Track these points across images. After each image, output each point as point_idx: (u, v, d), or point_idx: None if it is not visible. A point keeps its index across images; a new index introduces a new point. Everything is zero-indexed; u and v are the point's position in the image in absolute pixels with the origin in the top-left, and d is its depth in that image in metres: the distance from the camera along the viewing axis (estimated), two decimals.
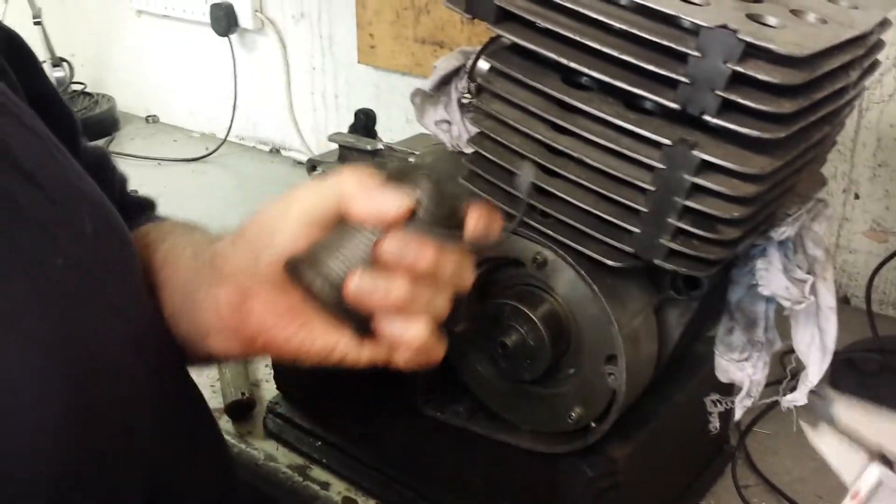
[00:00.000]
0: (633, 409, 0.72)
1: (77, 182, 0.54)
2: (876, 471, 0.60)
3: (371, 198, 0.51)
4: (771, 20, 0.55)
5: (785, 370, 0.74)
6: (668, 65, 0.55)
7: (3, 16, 1.76)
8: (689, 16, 0.53)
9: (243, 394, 1.00)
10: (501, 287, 0.71)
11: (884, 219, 1.18)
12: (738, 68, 0.52)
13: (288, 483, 0.91)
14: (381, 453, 0.88)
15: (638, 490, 0.74)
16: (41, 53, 1.78)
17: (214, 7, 1.70)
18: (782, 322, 0.69)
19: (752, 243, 0.64)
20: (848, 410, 0.67)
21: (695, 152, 0.56)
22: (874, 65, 0.64)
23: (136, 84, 2.03)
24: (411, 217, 0.51)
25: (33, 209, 0.48)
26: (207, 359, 0.62)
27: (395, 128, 1.44)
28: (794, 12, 0.57)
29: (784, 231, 0.63)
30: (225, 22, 1.71)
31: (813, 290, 0.64)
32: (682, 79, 0.54)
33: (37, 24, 1.78)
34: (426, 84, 0.80)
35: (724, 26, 0.51)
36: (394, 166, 0.55)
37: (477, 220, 0.53)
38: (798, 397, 0.68)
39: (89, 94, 1.97)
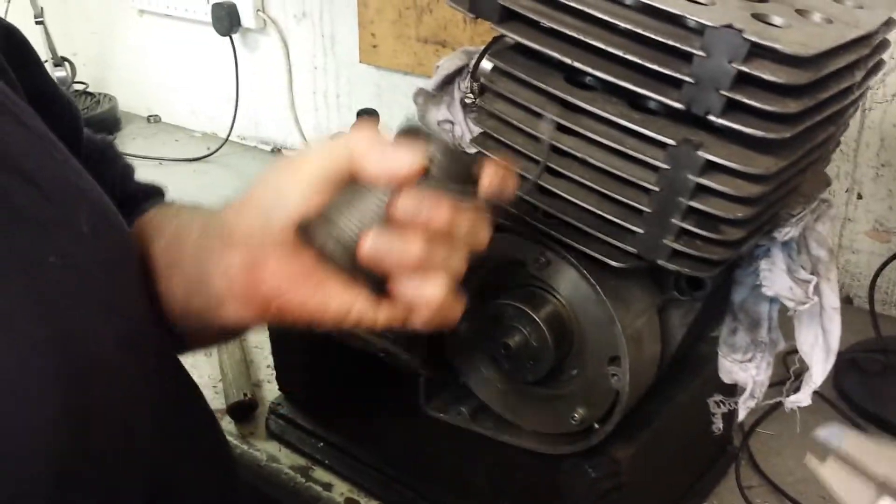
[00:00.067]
0: (636, 410, 0.71)
1: (76, 181, 0.54)
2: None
3: (383, 156, 0.50)
4: (776, 20, 0.54)
5: (788, 371, 0.74)
6: (673, 64, 0.55)
7: (5, 16, 1.76)
8: (694, 15, 0.53)
9: (245, 395, 1.00)
10: (504, 288, 0.71)
11: (887, 219, 1.18)
12: (744, 68, 0.52)
13: (290, 484, 0.91)
14: (384, 454, 0.88)
15: (641, 491, 0.74)
16: (43, 53, 1.78)
17: (216, 6, 1.70)
18: (785, 322, 0.68)
19: (755, 244, 0.64)
20: (857, 444, 0.67)
21: (699, 152, 0.55)
22: (879, 64, 0.63)
23: (137, 83, 2.02)
24: (425, 175, 0.50)
25: (31, 209, 0.48)
26: (223, 334, 0.61)
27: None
28: (800, 12, 0.57)
29: (788, 231, 0.63)
30: (227, 21, 1.70)
31: (817, 291, 0.64)
32: (687, 78, 0.54)
33: (38, 23, 1.78)
34: (429, 84, 0.80)
35: (729, 26, 0.51)
36: (405, 124, 0.53)
37: (492, 176, 0.52)
38: (801, 398, 0.68)
39: (91, 94, 1.97)
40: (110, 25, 2.03)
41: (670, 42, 0.54)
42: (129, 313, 0.54)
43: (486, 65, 0.69)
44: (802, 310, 0.65)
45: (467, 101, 0.78)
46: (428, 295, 0.51)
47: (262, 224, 0.53)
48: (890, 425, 0.96)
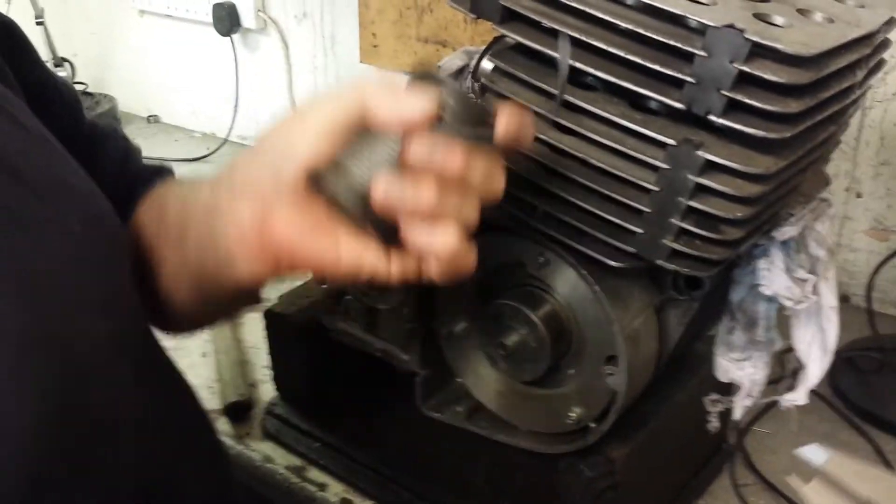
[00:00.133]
0: (632, 410, 0.71)
1: (70, 179, 0.53)
2: None
3: (395, 101, 0.49)
4: (778, 19, 0.54)
5: (784, 369, 0.74)
6: (675, 64, 0.55)
7: None
8: (695, 15, 0.53)
9: (241, 395, 1.00)
10: (502, 287, 0.71)
11: (885, 217, 1.18)
12: (745, 68, 0.52)
13: (285, 485, 0.90)
14: (380, 454, 0.88)
15: (636, 490, 0.74)
16: (43, 54, 1.77)
17: (217, 7, 1.70)
18: (782, 321, 0.69)
19: (754, 243, 0.64)
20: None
21: (699, 152, 0.55)
22: (880, 64, 0.64)
23: (137, 84, 2.02)
24: (438, 120, 0.48)
25: (21, 209, 0.47)
26: (239, 298, 0.60)
27: None
28: (801, 11, 0.57)
29: (787, 231, 0.63)
30: (227, 22, 1.70)
31: (815, 290, 0.64)
32: (689, 79, 0.54)
33: (39, 24, 1.79)
34: None
35: (730, 26, 0.51)
36: (418, 68, 0.51)
37: (508, 120, 0.50)
38: (797, 397, 0.68)
39: (90, 94, 1.97)
40: (110, 26, 2.03)
41: (672, 42, 0.54)
42: (119, 313, 0.53)
43: (487, 65, 0.69)
44: (800, 309, 0.65)
45: None
46: (440, 244, 0.50)
47: (272, 174, 0.52)
48: (886, 423, 0.96)
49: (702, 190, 0.57)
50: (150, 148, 1.83)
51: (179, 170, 0.64)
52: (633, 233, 0.61)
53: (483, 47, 0.72)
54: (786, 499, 0.86)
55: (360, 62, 1.58)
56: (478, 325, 0.75)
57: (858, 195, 1.19)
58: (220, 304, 0.62)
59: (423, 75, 0.50)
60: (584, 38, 0.58)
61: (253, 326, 1.12)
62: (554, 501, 0.73)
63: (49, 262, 0.48)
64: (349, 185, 0.50)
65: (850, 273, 1.22)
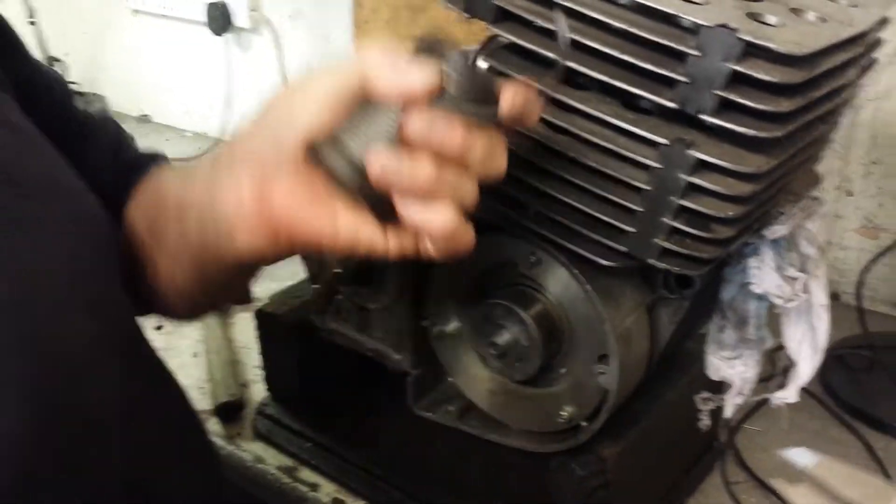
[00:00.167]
0: (623, 408, 0.72)
1: (61, 178, 0.53)
2: None
3: (396, 73, 0.48)
4: (771, 19, 0.55)
5: (775, 367, 0.74)
6: (667, 64, 0.55)
7: None
8: (688, 15, 0.53)
9: (233, 395, 1.00)
10: (494, 287, 0.71)
11: (876, 216, 1.19)
12: (738, 67, 0.52)
13: (276, 485, 0.90)
14: (372, 454, 0.88)
15: (627, 488, 0.74)
16: (35, 54, 1.77)
17: (211, 6, 1.70)
18: (772, 319, 0.69)
19: (745, 241, 0.64)
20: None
21: (691, 151, 0.55)
22: (871, 63, 0.64)
23: (130, 83, 2.02)
24: (440, 94, 0.47)
25: (12, 209, 0.47)
26: (240, 276, 0.60)
27: None
28: (794, 11, 0.57)
29: (778, 229, 0.63)
30: (221, 21, 1.70)
31: (805, 288, 0.64)
32: (682, 78, 0.54)
33: (31, 24, 1.78)
34: None
35: (723, 25, 0.51)
36: (422, 38, 0.50)
37: (514, 97, 0.49)
38: (788, 394, 0.68)
39: (81, 94, 1.97)
40: (103, 25, 2.02)
41: (665, 42, 0.54)
42: (106, 312, 0.53)
43: (481, 64, 0.69)
44: (791, 307, 0.65)
45: None
46: (435, 221, 0.49)
47: (272, 145, 0.51)
48: (876, 421, 0.97)
49: (693, 189, 0.57)
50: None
51: None
52: (625, 232, 0.61)
53: (477, 47, 0.72)
54: (776, 496, 0.86)
55: None
56: (470, 325, 0.75)
57: (849, 193, 1.20)
58: (220, 284, 0.61)
59: (429, 46, 0.49)
60: (577, 37, 0.58)
61: (244, 326, 1.12)
62: (546, 500, 0.73)
63: (41, 262, 0.47)
64: (346, 158, 0.49)
65: (841, 271, 1.23)
